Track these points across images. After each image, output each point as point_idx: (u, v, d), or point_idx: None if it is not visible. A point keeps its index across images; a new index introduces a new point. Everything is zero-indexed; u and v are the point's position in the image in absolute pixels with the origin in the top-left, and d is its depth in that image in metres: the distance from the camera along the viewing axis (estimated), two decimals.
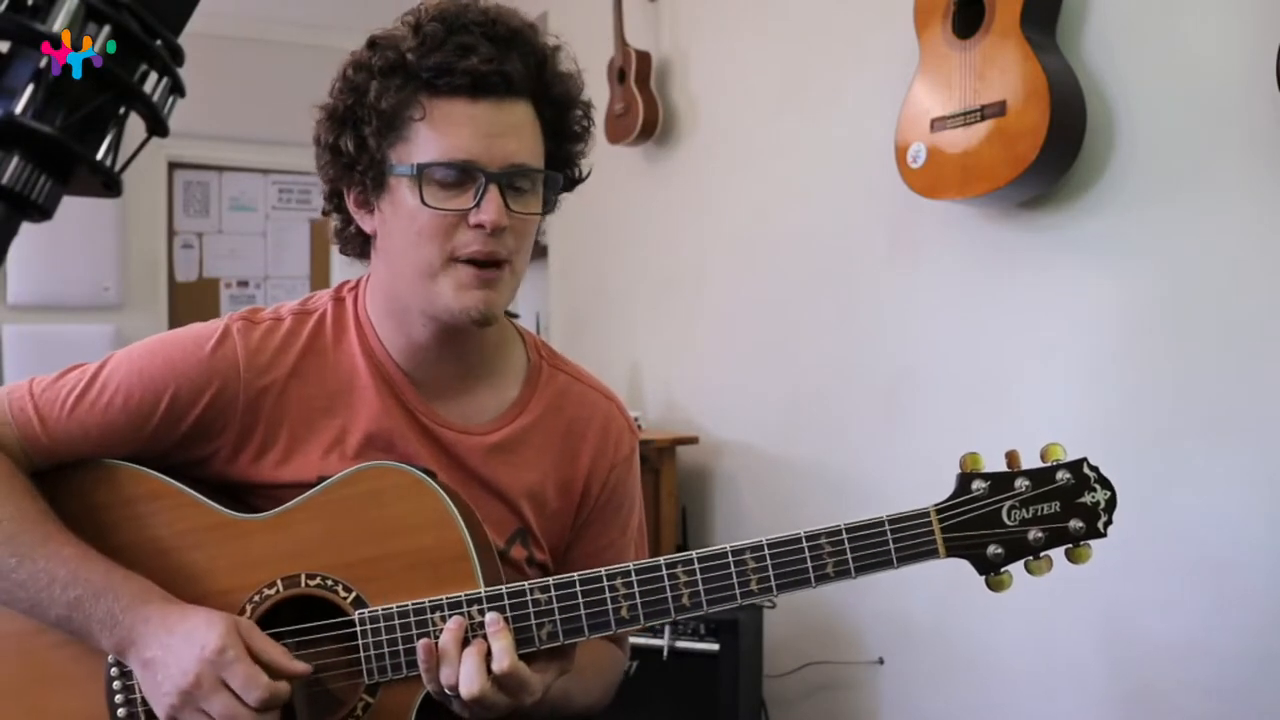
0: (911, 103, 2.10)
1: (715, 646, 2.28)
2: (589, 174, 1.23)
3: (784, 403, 2.72)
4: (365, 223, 1.16)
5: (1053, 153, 1.87)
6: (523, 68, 1.10)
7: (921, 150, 2.06)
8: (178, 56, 0.61)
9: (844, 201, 2.52)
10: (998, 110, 1.91)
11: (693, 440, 2.98)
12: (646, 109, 3.14)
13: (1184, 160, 1.82)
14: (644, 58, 3.20)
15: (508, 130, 1.10)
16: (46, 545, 1.06)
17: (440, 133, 1.08)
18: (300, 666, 1.05)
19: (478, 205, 1.08)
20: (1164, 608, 1.85)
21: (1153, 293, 1.87)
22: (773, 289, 2.76)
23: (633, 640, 1.58)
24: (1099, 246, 1.94)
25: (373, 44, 1.11)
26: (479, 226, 1.08)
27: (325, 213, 1.21)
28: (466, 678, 1.01)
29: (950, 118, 2.00)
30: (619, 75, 3.22)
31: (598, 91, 3.30)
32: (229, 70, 4.71)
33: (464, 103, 1.08)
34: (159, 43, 0.59)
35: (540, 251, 4.15)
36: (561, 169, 1.19)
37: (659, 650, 2.29)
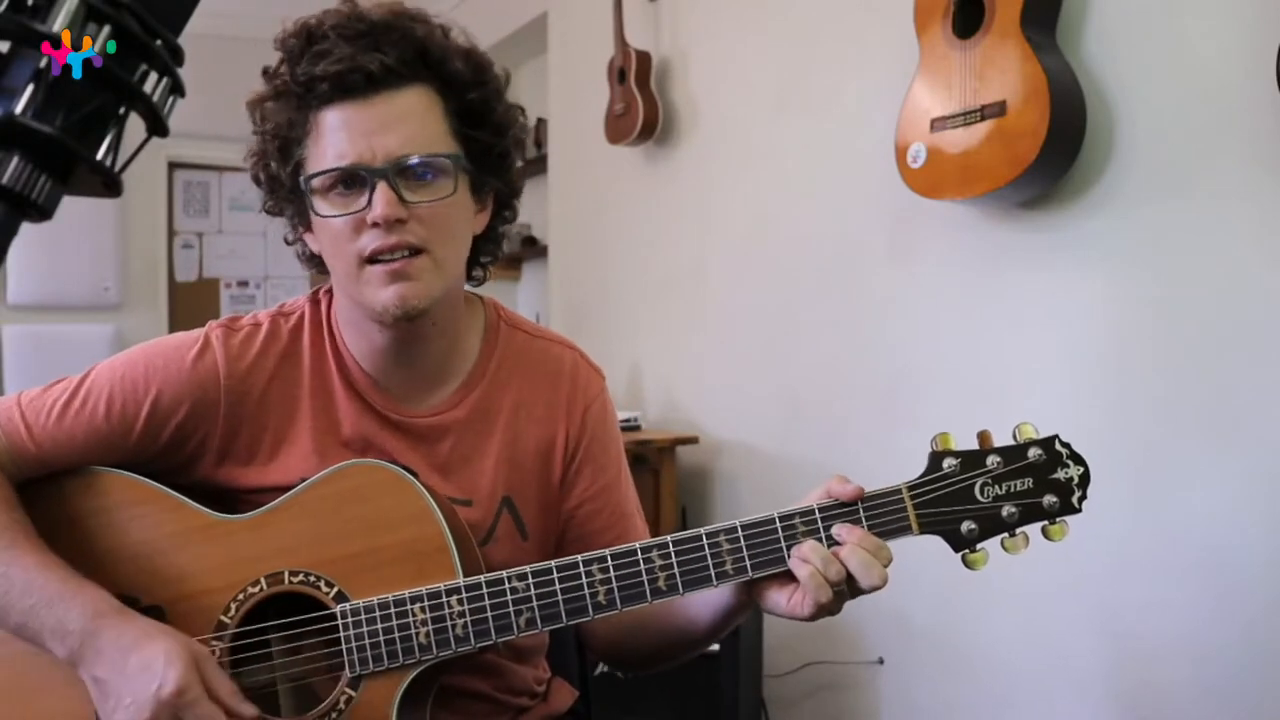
0: (911, 103, 2.10)
1: (715, 646, 2.28)
2: (512, 153, 1.20)
3: (784, 402, 2.72)
4: (311, 243, 1.19)
5: (1053, 153, 1.87)
6: (394, 58, 1.09)
7: (921, 150, 2.06)
8: (178, 56, 0.61)
9: (844, 201, 2.52)
10: (998, 110, 1.91)
11: (693, 440, 2.99)
12: (646, 109, 3.14)
13: (1184, 161, 1.82)
14: (644, 58, 3.20)
15: (388, 124, 1.09)
16: (10, 551, 1.06)
17: (324, 143, 1.10)
18: (249, 711, 1.03)
19: (369, 204, 1.08)
20: (1162, 607, 1.85)
21: (1152, 292, 1.87)
22: (773, 289, 2.77)
23: None
24: (1099, 247, 1.94)
25: (264, 72, 1.14)
26: (375, 225, 1.08)
27: (288, 241, 1.24)
28: (865, 570, 1.00)
29: (950, 118, 2.00)
30: (619, 75, 3.22)
31: (598, 91, 3.30)
32: (229, 70, 4.71)
33: (336, 108, 1.09)
34: (159, 43, 0.59)
35: (540, 251, 4.16)
36: (479, 150, 1.16)
37: None
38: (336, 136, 1.09)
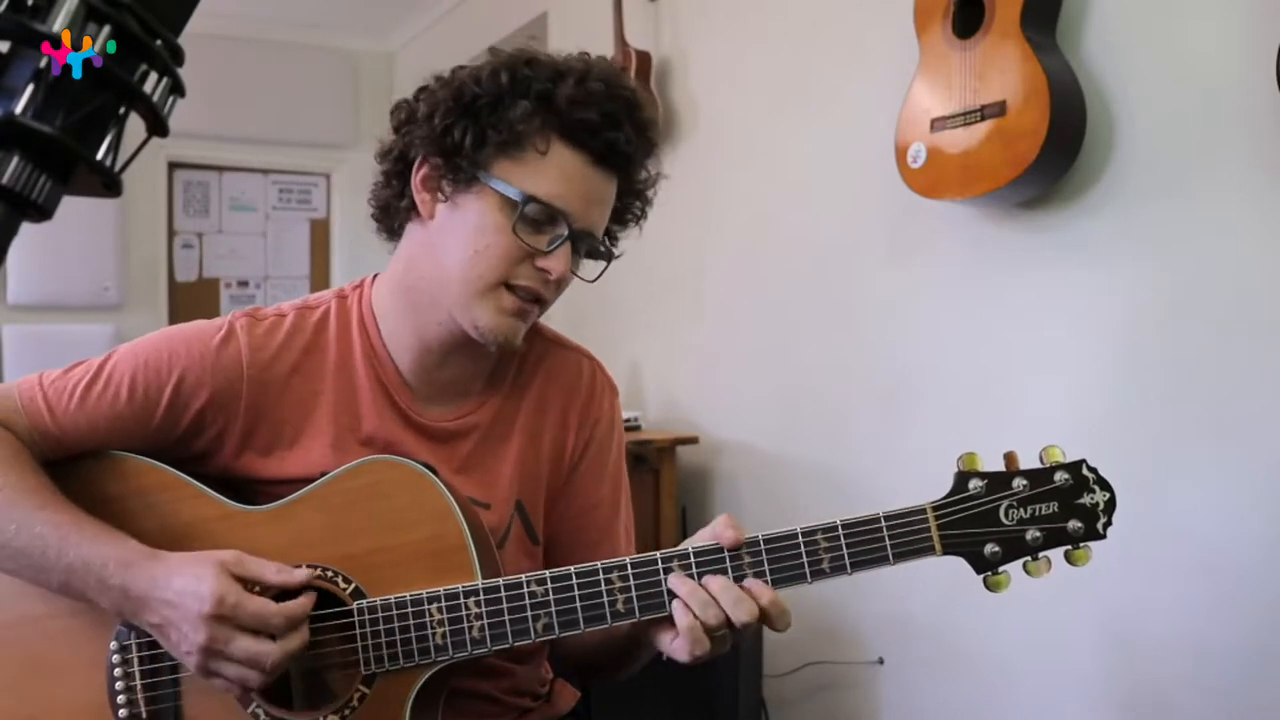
0: (911, 103, 2.10)
1: None
2: (619, 256, 1.26)
3: (784, 402, 2.72)
4: (423, 204, 1.16)
5: (1053, 153, 1.87)
6: (632, 149, 1.16)
7: (921, 150, 2.06)
8: (178, 56, 0.61)
9: (844, 201, 2.52)
10: (998, 110, 1.91)
11: (693, 440, 2.98)
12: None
13: (1184, 160, 1.82)
14: (644, 58, 3.19)
15: (603, 200, 1.17)
16: (43, 512, 1.07)
17: (554, 175, 1.11)
18: (298, 575, 1.06)
19: (550, 252, 1.12)
20: (1163, 607, 1.85)
21: (1152, 292, 1.87)
22: (773, 289, 2.76)
23: None
24: (1099, 247, 1.94)
25: (531, 62, 1.13)
26: (544, 270, 1.13)
27: (379, 156, 1.20)
28: (738, 607, 1.01)
29: (950, 118, 2.00)
30: None
31: None
32: (229, 70, 4.72)
33: (585, 161, 1.13)
34: (159, 43, 0.59)
35: None
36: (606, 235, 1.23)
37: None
38: (570, 182, 1.12)
